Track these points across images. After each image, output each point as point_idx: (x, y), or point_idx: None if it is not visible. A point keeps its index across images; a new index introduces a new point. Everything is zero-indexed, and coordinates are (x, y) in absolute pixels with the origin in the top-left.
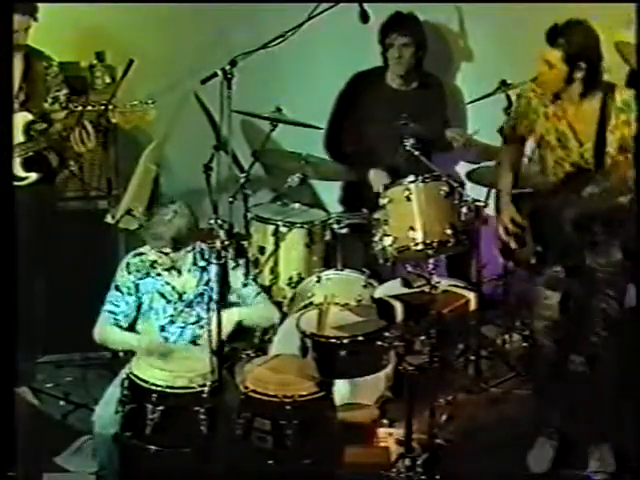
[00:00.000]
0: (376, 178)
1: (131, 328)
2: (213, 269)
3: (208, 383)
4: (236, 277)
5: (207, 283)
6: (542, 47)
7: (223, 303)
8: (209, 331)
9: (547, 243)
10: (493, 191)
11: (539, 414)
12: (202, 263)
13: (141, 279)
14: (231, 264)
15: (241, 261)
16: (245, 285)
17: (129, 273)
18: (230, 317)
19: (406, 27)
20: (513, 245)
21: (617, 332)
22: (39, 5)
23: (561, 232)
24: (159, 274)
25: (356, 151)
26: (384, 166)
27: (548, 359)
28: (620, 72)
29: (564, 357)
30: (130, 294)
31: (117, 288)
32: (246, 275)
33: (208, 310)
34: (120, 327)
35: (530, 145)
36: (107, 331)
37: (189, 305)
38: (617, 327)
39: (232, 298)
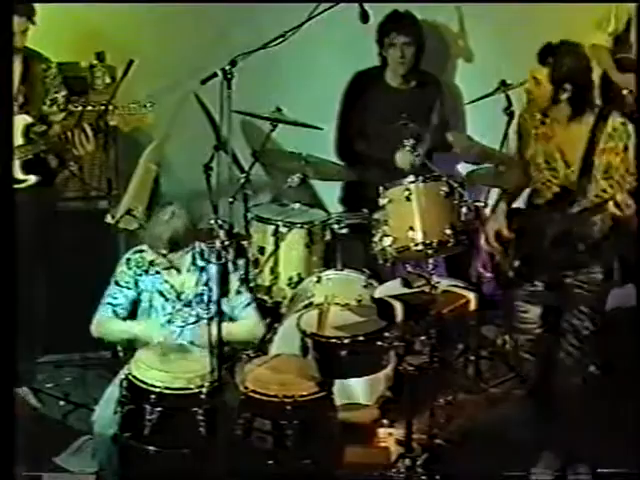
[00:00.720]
0: (403, 157)
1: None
2: (212, 269)
3: (206, 384)
4: (232, 282)
5: (206, 283)
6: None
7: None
8: (209, 332)
9: (527, 258)
10: (493, 191)
11: (538, 429)
12: (201, 263)
13: (140, 275)
14: (230, 267)
15: (240, 262)
16: (238, 293)
17: (129, 268)
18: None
19: (407, 26)
20: (497, 257)
21: (587, 350)
22: (38, 6)
23: (541, 247)
24: (158, 272)
25: (366, 150)
26: (390, 165)
27: (531, 374)
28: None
29: (547, 371)
30: (129, 288)
31: (117, 283)
32: (241, 282)
33: (207, 311)
34: (116, 316)
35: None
36: (105, 321)
37: (188, 305)
38: (588, 344)
39: (222, 301)
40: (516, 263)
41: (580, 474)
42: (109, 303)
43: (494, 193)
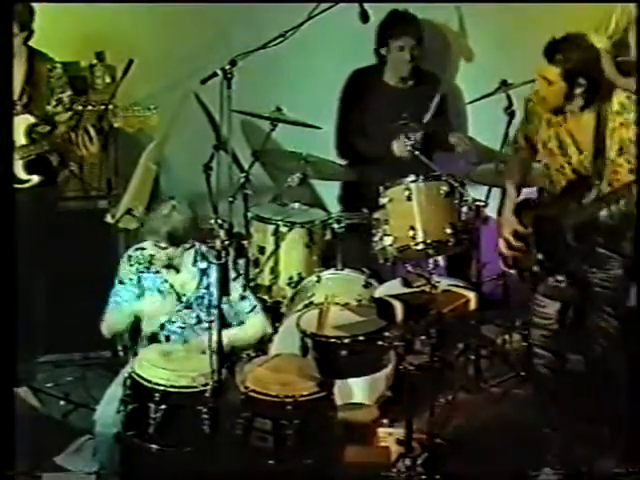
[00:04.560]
0: (399, 146)
1: (133, 325)
2: (214, 273)
3: (211, 382)
4: (235, 288)
5: (207, 287)
6: (540, 59)
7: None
8: (209, 332)
9: (550, 251)
10: (493, 191)
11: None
12: (203, 265)
13: (142, 272)
14: (232, 273)
15: (241, 262)
16: (242, 298)
17: (131, 265)
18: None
19: (414, 29)
20: (516, 254)
21: (615, 349)
22: (38, 6)
23: (563, 240)
24: (157, 271)
25: (365, 149)
26: (390, 164)
27: (543, 370)
28: None
29: (561, 367)
30: (133, 285)
31: (120, 282)
32: (244, 287)
33: (208, 313)
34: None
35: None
36: (110, 315)
37: (189, 307)
38: (616, 344)
39: (225, 308)
40: (540, 256)
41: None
42: (115, 302)
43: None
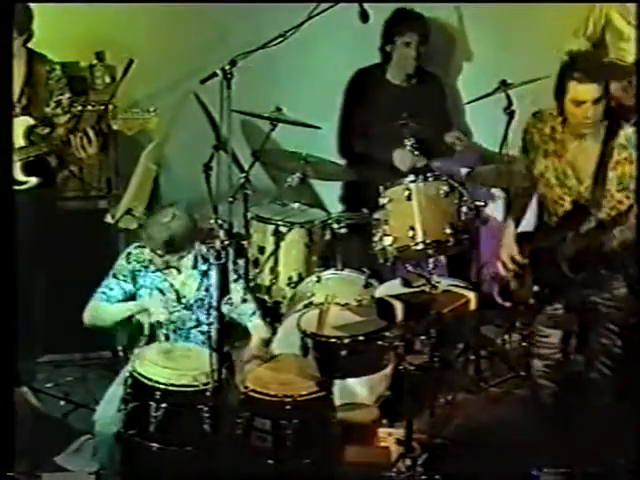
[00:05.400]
0: (402, 157)
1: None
2: (214, 275)
3: (211, 381)
4: (236, 290)
5: (207, 289)
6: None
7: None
8: (209, 333)
9: (545, 282)
10: (499, 202)
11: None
12: (204, 267)
13: (139, 271)
14: (233, 276)
15: (240, 262)
16: (244, 301)
17: (128, 262)
18: None
19: (420, 25)
20: (513, 285)
21: (619, 368)
22: (37, 6)
23: (559, 271)
24: (158, 270)
25: (367, 148)
26: (390, 164)
27: (547, 401)
28: None
29: (564, 397)
30: (126, 281)
31: (114, 275)
32: (245, 290)
33: (208, 315)
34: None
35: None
36: (97, 307)
37: (189, 308)
38: (619, 364)
39: (226, 310)
40: (535, 288)
41: None
42: (103, 292)
43: (499, 204)
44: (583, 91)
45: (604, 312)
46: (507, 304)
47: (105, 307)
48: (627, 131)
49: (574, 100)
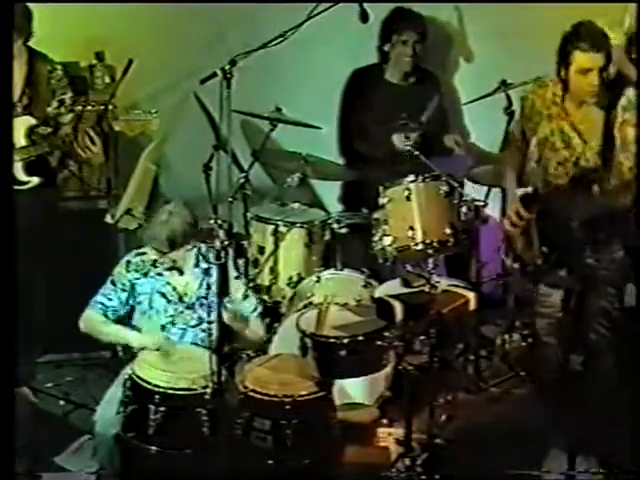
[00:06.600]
0: (399, 139)
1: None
2: (215, 273)
3: (211, 384)
4: (237, 287)
5: (209, 287)
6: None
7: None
8: (209, 333)
9: (554, 244)
10: (493, 191)
11: (547, 424)
12: (205, 265)
13: (138, 279)
14: (233, 273)
15: (240, 262)
16: (245, 297)
17: (127, 271)
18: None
19: (418, 23)
20: (519, 244)
21: (618, 330)
22: (37, 6)
23: (569, 233)
24: (160, 274)
25: (366, 148)
26: (390, 164)
27: (551, 358)
28: None
29: (567, 356)
30: (124, 290)
31: (112, 282)
32: (247, 287)
33: (209, 314)
34: (107, 318)
35: (533, 147)
36: (95, 321)
37: (190, 307)
38: (618, 325)
39: (228, 307)
40: (544, 249)
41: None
42: (102, 303)
43: (496, 201)
44: (589, 59)
45: (602, 275)
46: (516, 265)
47: (102, 323)
48: (629, 93)
49: (581, 69)
